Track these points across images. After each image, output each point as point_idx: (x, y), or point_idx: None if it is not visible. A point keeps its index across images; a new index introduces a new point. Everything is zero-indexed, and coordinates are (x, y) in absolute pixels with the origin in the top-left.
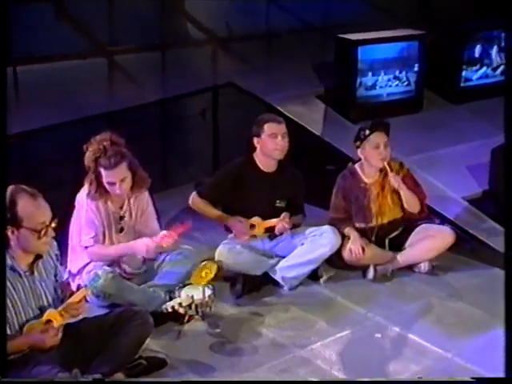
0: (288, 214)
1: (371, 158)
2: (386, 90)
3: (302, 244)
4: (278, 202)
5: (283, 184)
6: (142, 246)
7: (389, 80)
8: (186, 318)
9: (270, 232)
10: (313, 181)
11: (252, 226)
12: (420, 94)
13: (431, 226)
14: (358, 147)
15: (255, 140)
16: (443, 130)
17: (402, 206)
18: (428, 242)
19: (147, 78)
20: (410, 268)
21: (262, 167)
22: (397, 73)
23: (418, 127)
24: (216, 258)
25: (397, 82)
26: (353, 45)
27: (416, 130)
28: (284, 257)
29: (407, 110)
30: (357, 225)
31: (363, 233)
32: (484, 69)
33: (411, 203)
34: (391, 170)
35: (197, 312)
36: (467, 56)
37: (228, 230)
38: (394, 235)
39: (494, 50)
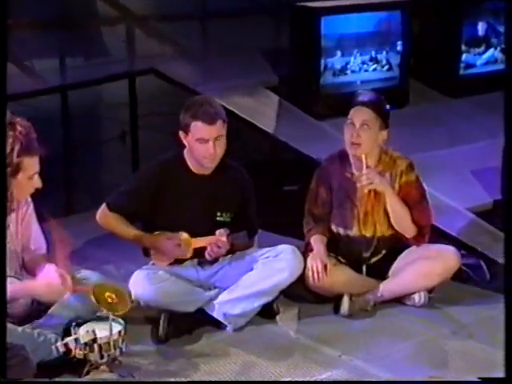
0: (226, 230)
1: (345, 139)
2: (360, 75)
3: (251, 269)
4: (218, 214)
5: (226, 190)
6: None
7: (363, 63)
8: (87, 367)
9: (201, 255)
10: (267, 200)
11: (178, 246)
12: (405, 81)
13: (426, 245)
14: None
15: (182, 135)
16: (439, 129)
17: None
18: (423, 266)
19: (44, 62)
20: (400, 301)
21: (194, 168)
22: (373, 53)
23: (404, 125)
24: (131, 290)
25: (374, 66)
26: (314, 15)
27: (402, 127)
28: (226, 288)
29: (389, 104)
30: (333, 227)
31: (336, 243)
32: (491, 51)
33: (400, 221)
34: (367, 166)
35: (101, 356)
36: (468, 34)
37: (148, 255)
38: (374, 260)
39: (504, 26)
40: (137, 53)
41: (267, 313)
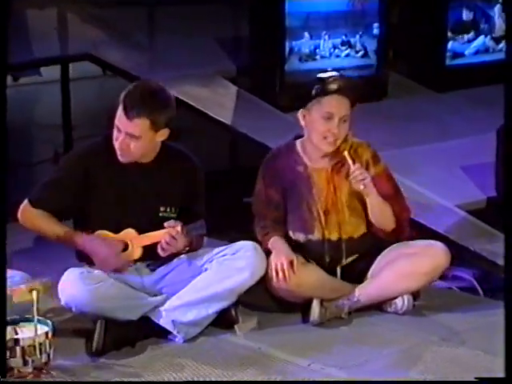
0: (179, 222)
1: (316, 132)
2: (330, 61)
3: (206, 270)
4: (162, 209)
5: (169, 180)
6: None
7: (335, 47)
8: (9, 375)
9: (152, 256)
10: (225, 213)
11: (125, 247)
12: (383, 70)
13: (410, 242)
14: (302, 111)
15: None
16: (422, 123)
17: (367, 218)
18: (406, 264)
19: None
20: (380, 308)
21: None
22: (345, 36)
23: (382, 118)
24: (60, 294)
25: (347, 51)
26: None
27: (380, 121)
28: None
29: (365, 95)
30: (291, 234)
31: (301, 252)
32: (481, 39)
33: (381, 217)
34: (353, 161)
35: (25, 362)
36: (455, 17)
37: (82, 258)
38: (348, 261)
39: (497, 10)
40: (72, 39)
41: (224, 321)
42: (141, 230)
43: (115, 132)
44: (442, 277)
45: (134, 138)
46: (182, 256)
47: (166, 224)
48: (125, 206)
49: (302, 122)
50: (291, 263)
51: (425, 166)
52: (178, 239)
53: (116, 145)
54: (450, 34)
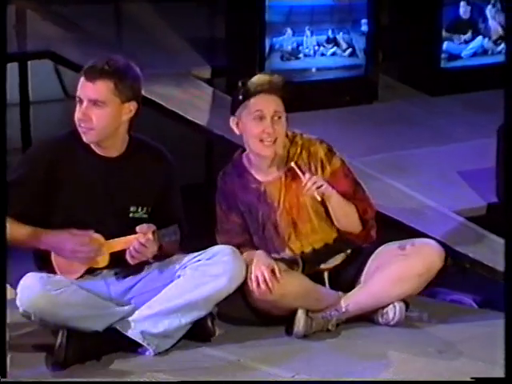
0: (152, 225)
1: (251, 137)
2: (315, 60)
3: (179, 277)
4: (132, 209)
5: (140, 177)
6: None
7: (319, 44)
8: None
9: (120, 264)
10: (202, 228)
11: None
12: (373, 71)
13: (399, 242)
14: (233, 119)
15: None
16: (417, 127)
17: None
18: (398, 267)
19: None
20: (371, 319)
21: (97, 148)
22: (330, 33)
23: (372, 123)
24: (18, 301)
25: (334, 49)
26: None
27: (369, 125)
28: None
29: (353, 98)
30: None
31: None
32: (479, 39)
33: (345, 220)
34: (302, 172)
35: None
36: (451, 15)
37: (43, 265)
38: (330, 265)
39: (495, 10)
40: (32, 37)
41: (199, 332)
42: (109, 233)
43: (77, 107)
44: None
45: (97, 105)
46: (153, 264)
47: (137, 228)
48: (91, 205)
49: (237, 131)
50: (273, 272)
51: (420, 170)
52: (148, 246)
53: (77, 117)
54: (445, 33)
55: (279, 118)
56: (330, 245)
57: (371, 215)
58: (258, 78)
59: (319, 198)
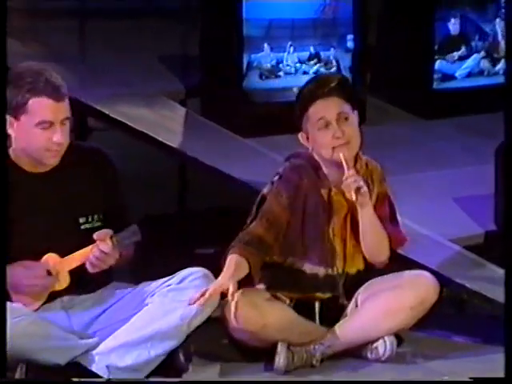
0: (109, 231)
1: (321, 147)
2: (296, 79)
3: (147, 305)
4: (82, 220)
5: (85, 184)
6: None
7: (301, 61)
8: None
9: (81, 282)
10: (172, 267)
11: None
12: (360, 91)
13: (393, 274)
14: (302, 135)
15: (9, 122)
16: (408, 151)
17: None
18: (389, 298)
19: None
20: (358, 354)
21: (28, 166)
22: (312, 49)
23: (364, 143)
24: None
25: (316, 67)
26: None
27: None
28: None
29: None
30: (307, 267)
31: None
32: (474, 58)
33: (373, 241)
34: (348, 167)
35: None
36: (443, 32)
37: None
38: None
39: (494, 25)
40: None
41: (170, 366)
42: (64, 251)
43: (38, 133)
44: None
45: (65, 124)
46: (118, 291)
47: (95, 236)
48: (38, 227)
49: (309, 146)
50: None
51: (412, 196)
52: (109, 252)
53: (56, 141)
54: (437, 51)
55: (346, 118)
56: (370, 269)
57: (397, 247)
58: (311, 85)
59: (354, 199)
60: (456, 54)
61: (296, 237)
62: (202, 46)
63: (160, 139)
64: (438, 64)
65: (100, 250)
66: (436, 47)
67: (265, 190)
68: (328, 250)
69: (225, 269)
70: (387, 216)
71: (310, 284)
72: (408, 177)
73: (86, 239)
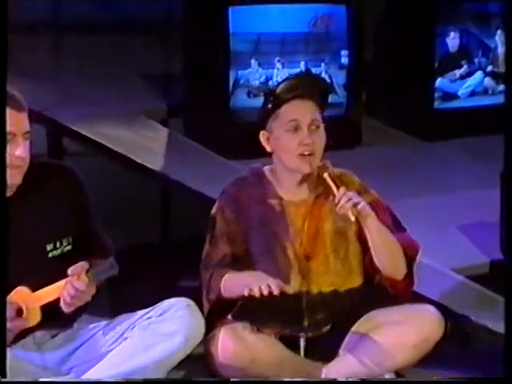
0: (85, 264)
1: (286, 152)
2: None
3: (126, 339)
4: (50, 248)
5: (46, 207)
6: None
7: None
8: None
9: (53, 317)
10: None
11: (19, 312)
12: (355, 110)
13: (394, 307)
14: (264, 134)
15: None
16: (407, 175)
17: (365, 266)
18: (390, 335)
19: None
20: None
21: None
22: (303, 65)
23: (358, 168)
24: None
25: None
26: (218, 4)
27: (355, 171)
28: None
29: (332, 142)
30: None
31: (271, 311)
32: (478, 76)
33: (388, 254)
34: (337, 186)
35: None
36: (444, 48)
37: None
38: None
39: (497, 39)
40: None
41: None
42: (34, 283)
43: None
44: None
45: (27, 139)
46: (94, 325)
47: (69, 271)
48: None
49: (268, 148)
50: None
51: (413, 224)
52: (84, 289)
53: (19, 155)
54: (437, 67)
55: (317, 127)
56: (341, 294)
57: (415, 253)
58: (289, 81)
59: (353, 218)
60: (458, 72)
61: (244, 255)
62: (185, 62)
63: (140, 161)
64: (438, 82)
65: (74, 288)
66: (437, 64)
67: (213, 210)
68: (281, 265)
69: (247, 274)
70: (391, 224)
71: (274, 307)
72: (407, 203)
73: (57, 267)
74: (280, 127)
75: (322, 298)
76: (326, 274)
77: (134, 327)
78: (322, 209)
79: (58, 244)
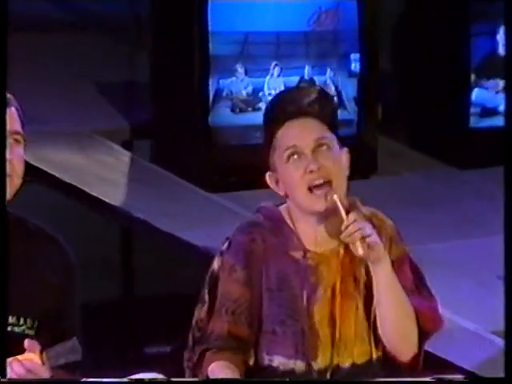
0: (36, 345)
1: (291, 189)
2: None
3: None
4: (12, 320)
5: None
6: None
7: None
8: None
9: None
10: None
11: None
12: (369, 130)
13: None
14: (270, 175)
15: None
16: (437, 211)
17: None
18: None
19: None
20: None
21: None
22: (306, 71)
23: (373, 202)
24: None
25: None
26: None
27: (370, 206)
28: None
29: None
30: (277, 365)
31: None
32: None
33: (397, 323)
34: (346, 211)
35: None
36: (483, 51)
37: None
38: None
39: None
40: None
41: None
42: None
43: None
44: None
45: (18, 142)
46: None
47: (25, 344)
48: None
49: (281, 192)
50: None
51: (442, 273)
52: (35, 371)
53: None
54: (474, 77)
55: (328, 147)
56: (373, 363)
57: (433, 329)
58: (279, 100)
59: (361, 253)
60: (500, 82)
61: (258, 320)
62: (153, 69)
63: (94, 194)
64: (475, 94)
65: (24, 368)
66: (474, 71)
67: (215, 265)
68: (308, 336)
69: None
70: (411, 285)
71: None
72: (434, 246)
73: (11, 347)
74: (279, 160)
75: (356, 372)
76: (357, 343)
77: None
78: (354, 260)
79: (20, 321)
